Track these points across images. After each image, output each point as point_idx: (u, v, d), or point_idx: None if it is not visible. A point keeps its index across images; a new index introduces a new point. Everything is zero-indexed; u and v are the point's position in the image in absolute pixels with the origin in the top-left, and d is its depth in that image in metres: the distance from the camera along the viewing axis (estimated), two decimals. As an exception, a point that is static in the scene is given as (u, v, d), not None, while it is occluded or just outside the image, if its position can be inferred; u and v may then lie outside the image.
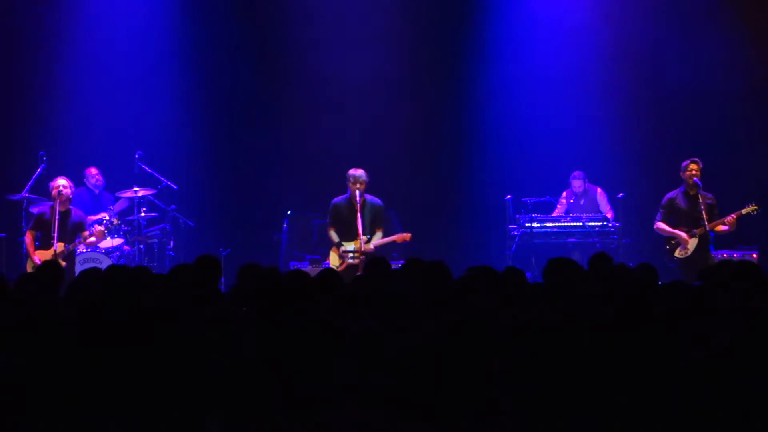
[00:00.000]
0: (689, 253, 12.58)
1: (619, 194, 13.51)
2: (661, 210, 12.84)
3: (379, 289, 5.84)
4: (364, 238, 12.37)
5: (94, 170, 13.73)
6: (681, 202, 12.75)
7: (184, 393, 3.61)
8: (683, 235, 12.61)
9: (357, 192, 12.45)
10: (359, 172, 12.52)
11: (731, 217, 12.49)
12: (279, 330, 4.46)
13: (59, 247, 12.13)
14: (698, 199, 12.56)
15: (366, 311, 5.53)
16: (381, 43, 14.77)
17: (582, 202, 13.76)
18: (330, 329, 4.52)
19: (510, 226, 13.60)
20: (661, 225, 12.81)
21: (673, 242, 12.72)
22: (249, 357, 4.33)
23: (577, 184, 13.79)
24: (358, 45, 14.68)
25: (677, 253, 12.65)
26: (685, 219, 12.67)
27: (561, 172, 13.99)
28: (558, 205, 13.80)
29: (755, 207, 12.46)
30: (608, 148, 14.49)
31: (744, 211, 12.47)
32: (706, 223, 12.43)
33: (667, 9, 14.52)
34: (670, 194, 12.84)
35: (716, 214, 12.58)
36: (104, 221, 12.71)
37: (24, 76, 14.53)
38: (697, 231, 12.56)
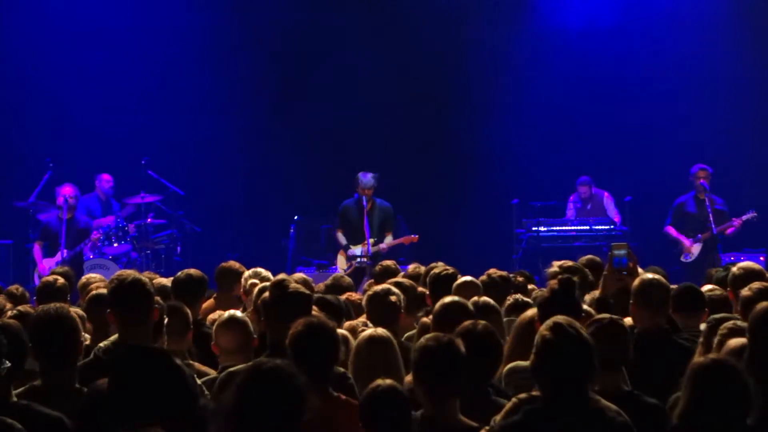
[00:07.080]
0: (694, 257, 12.90)
1: (626, 197, 13.53)
2: (670, 214, 13.17)
3: None
4: (371, 241, 12.34)
5: (107, 177, 13.63)
6: (690, 207, 13.09)
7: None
8: (685, 242, 12.98)
9: (364, 197, 12.43)
10: (367, 178, 12.47)
11: (738, 221, 12.81)
12: None
13: (64, 253, 12.15)
14: (706, 203, 12.81)
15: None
16: (387, 46, 14.76)
17: (588, 207, 13.76)
18: None
19: (517, 230, 13.60)
20: (669, 229, 13.19)
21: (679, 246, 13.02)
22: None
23: (584, 189, 13.78)
24: (365, 49, 14.67)
25: (682, 258, 13.00)
26: (693, 223, 13.04)
27: (568, 176, 13.98)
28: (568, 211, 13.81)
29: (755, 215, 12.79)
30: (615, 151, 14.45)
31: (745, 218, 12.82)
32: (714, 226, 12.66)
33: (673, 14, 14.51)
34: (680, 198, 13.22)
35: (726, 219, 12.84)
36: (110, 226, 12.70)
37: (30, 80, 14.52)
38: (702, 236, 12.79)
